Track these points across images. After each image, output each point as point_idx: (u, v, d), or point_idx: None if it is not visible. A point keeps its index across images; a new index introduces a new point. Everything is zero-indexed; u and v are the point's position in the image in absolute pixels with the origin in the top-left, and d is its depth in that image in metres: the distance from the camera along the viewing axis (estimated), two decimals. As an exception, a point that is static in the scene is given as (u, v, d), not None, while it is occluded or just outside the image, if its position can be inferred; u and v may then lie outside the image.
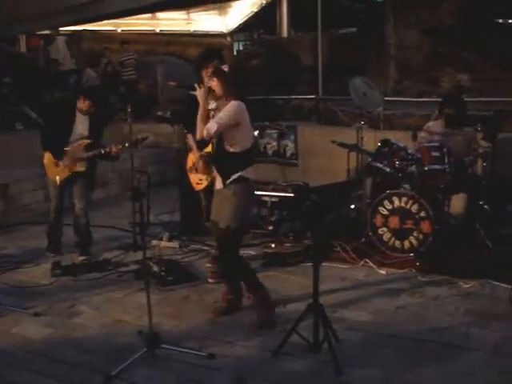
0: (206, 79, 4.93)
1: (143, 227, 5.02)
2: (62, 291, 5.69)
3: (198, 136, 4.79)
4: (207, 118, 4.70)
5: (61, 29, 16.09)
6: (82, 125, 6.42)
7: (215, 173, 4.90)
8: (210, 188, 5.47)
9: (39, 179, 8.06)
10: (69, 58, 13.73)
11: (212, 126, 4.57)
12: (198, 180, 5.98)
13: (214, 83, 4.69)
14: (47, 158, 6.50)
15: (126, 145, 6.36)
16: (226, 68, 4.99)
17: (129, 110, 6.70)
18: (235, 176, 4.68)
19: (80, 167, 6.42)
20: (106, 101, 12.71)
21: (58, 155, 6.39)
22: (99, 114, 6.66)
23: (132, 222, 7.06)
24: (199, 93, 4.69)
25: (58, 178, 6.42)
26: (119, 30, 18.37)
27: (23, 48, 16.40)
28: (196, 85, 4.75)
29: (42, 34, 14.81)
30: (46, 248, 6.80)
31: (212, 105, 4.87)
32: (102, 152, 6.33)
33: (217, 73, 4.76)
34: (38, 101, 11.03)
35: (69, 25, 16.26)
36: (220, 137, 4.68)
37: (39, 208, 8.39)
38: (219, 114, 4.66)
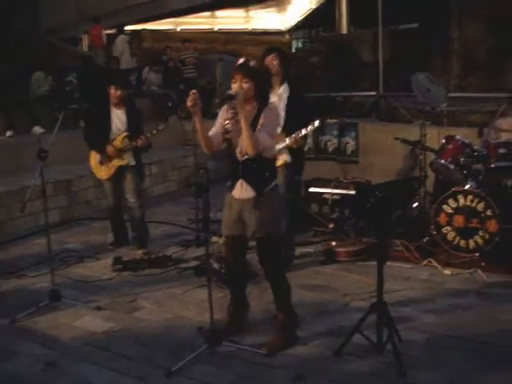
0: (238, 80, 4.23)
1: (206, 223, 4.97)
2: (123, 286, 5.73)
3: (250, 152, 4.13)
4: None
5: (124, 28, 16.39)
6: (118, 120, 6.51)
7: (239, 182, 4.35)
8: None
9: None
10: (128, 56, 13.89)
11: (266, 139, 4.15)
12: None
13: (246, 85, 4.17)
14: (92, 158, 6.67)
15: (149, 135, 6.37)
16: (253, 63, 4.49)
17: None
18: (273, 183, 4.37)
19: (122, 161, 6.50)
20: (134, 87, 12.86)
21: (101, 152, 6.53)
22: (133, 105, 6.74)
23: (192, 218, 7.07)
24: (238, 101, 4.07)
25: (105, 175, 6.60)
26: (178, 29, 18.59)
27: (85, 47, 16.72)
28: (232, 92, 4.13)
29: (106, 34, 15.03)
30: (110, 243, 6.93)
31: (226, 113, 4.29)
32: (133, 145, 6.40)
33: (248, 73, 4.22)
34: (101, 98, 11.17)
35: (130, 24, 16.54)
36: None
37: (101, 203, 8.48)
38: (263, 121, 4.18)
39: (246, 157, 4.24)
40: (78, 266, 6.39)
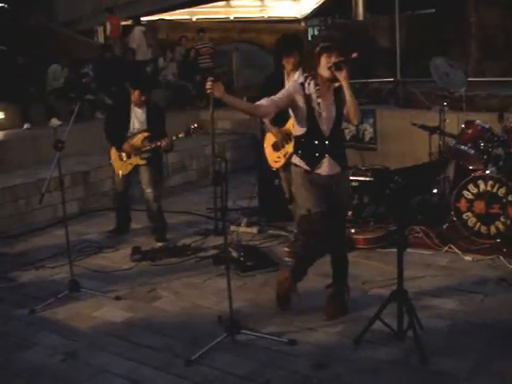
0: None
1: (224, 212, 4.95)
2: (142, 276, 5.73)
3: (354, 121, 4.38)
4: None
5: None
6: (138, 118, 6.53)
7: (325, 159, 4.40)
8: (288, 164, 5.29)
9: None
10: (145, 47, 13.86)
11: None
12: (276, 158, 5.94)
13: (344, 74, 4.16)
14: (113, 153, 6.70)
15: (174, 138, 6.32)
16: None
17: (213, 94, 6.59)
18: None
19: (140, 161, 6.52)
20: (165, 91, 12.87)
21: (120, 148, 6.56)
22: (155, 105, 6.73)
23: (211, 207, 7.06)
24: (344, 71, 4.16)
25: (120, 172, 6.66)
26: (194, 19, 18.54)
27: (101, 39, 16.72)
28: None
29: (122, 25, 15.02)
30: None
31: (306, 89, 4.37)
32: (153, 146, 6.40)
33: (342, 51, 4.24)
34: (117, 88, 11.18)
35: (145, 15, 16.52)
36: (340, 117, 4.42)
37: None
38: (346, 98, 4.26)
39: (330, 130, 4.37)
40: (97, 256, 6.40)
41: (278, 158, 5.89)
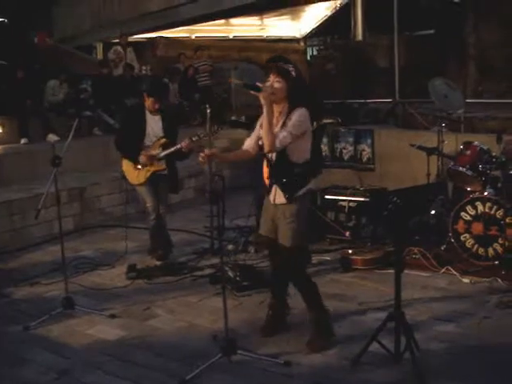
0: (271, 79, 4.30)
1: (221, 231, 4.95)
2: (137, 294, 5.71)
3: (266, 148, 4.22)
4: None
5: (136, 36, 16.45)
6: (155, 125, 6.43)
7: (273, 187, 4.41)
8: None
9: (115, 183, 8.18)
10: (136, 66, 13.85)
11: (285, 138, 4.16)
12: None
13: (278, 85, 4.22)
14: (125, 163, 6.52)
15: (194, 138, 6.20)
16: (292, 70, 4.37)
17: (208, 111, 6.60)
18: (304, 190, 4.37)
19: (158, 166, 6.42)
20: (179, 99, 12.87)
21: (135, 158, 6.39)
22: (171, 112, 6.63)
23: (208, 226, 7.05)
24: (263, 95, 4.09)
25: (141, 179, 6.44)
26: (193, 37, 18.56)
27: (100, 55, 16.77)
28: (260, 84, 4.15)
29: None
30: (149, 252, 6.78)
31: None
32: (173, 149, 6.28)
33: (282, 73, 4.25)
34: (117, 106, 11.20)
35: (144, 32, 16.60)
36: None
37: (115, 211, 8.51)
38: (289, 122, 4.21)
39: (274, 160, 4.34)
40: (92, 273, 6.38)
41: None
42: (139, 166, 6.42)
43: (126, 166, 6.51)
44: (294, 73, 4.31)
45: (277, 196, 4.38)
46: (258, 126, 4.45)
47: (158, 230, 6.63)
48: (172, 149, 6.29)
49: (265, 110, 4.12)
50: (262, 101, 4.11)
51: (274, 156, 4.34)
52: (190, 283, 5.97)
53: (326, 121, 9.33)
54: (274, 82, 4.24)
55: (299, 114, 4.24)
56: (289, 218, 4.34)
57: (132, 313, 5.25)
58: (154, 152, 6.37)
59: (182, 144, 6.19)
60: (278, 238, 4.45)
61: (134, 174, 6.46)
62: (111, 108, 11.26)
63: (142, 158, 6.35)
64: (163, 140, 6.38)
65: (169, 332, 4.85)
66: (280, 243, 4.42)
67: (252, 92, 4.14)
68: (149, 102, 6.36)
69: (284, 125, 4.24)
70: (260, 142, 4.36)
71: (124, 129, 6.74)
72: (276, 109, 4.27)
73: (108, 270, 6.46)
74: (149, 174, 6.42)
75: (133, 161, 6.42)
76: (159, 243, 6.69)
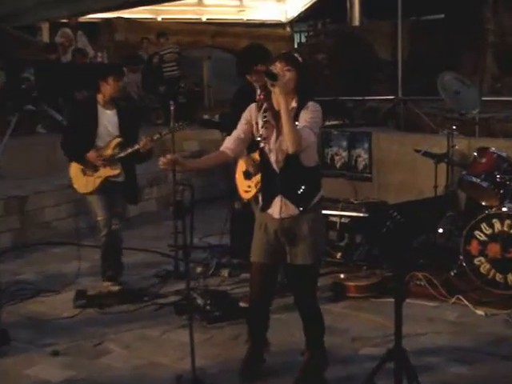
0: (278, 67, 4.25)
1: (187, 251, 4.94)
2: (87, 326, 5.67)
3: (291, 148, 4.11)
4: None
5: (90, 16, 16.39)
6: (109, 122, 6.38)
7: (278, 199, 4.36)
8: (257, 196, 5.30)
9: (63, 192, 8.13)
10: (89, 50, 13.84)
11: (310, 135, 4.14)
12: (246, 188, 5.93)
13: (288, 74, 4.20)
14: (73, 166, 6.46)
15: (155, 137, 6.20)
16: (298, 56, 4.41)
17: (172, 108, 6.57)
18: (317, 198, 4.39)
19: (112, 171, 6.37)
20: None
21: (84, 160, 6.33)
22: (130, 107, 6.59)
23: (172, 244, 7.03)
24: (280, 84, 4.05)
25: (89, 187, 6.37)
26: (159, 19, 18.58)
27: (46, 38, 16.66)
28: (275, 71, 4.15)
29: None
30: (102, 275, 6.67)
31: (254, 114, 4.40)
32: (130, 151, 6.23)
33: (292, 60, 4.28)
34: (65, 100, 11.16)
35: (99, 12, 16.55)
36: None
37: (62, 226, 8.47)
38: (306, 117, 4.19)
39: (281, 165, 4.28)
40: (33, 301, 6.32)
41: (249, 187, 5.86)
42: (88, 171, 6.37)
43: (74, 170, 6.46)
44: (301, 59, 4.34)
45: (284, 208, 4.34)
46: (243, 121, 4.43)
47: (110, 248, 6.56)
48: (129, 150, 6.24)
49: (282, 102, 4.07)
50: (278, 91, 4.08)
51: (279, 160, 4.30)
52: (150, 313, 5.94)
53: (329, 123, 9.39)
54: (283, 70, 4.22)
55: (315, 110, 4.26)
56: (306, 231, 4.33)
57: (80, 349, 5.21)
58: (105, 153, 6.33)
59: (141, 144, 6.15)
60: (279, 261, 4.45)
61: (83, 180, 6.41)
62: (58, 101, 11.22)
63: (92, 161, 6.30)
64: (118, 140, 6.32)
65: (124, 372, 4.82)
66: (296, 264, 4.38)
67: (268, 81, 4.10)
68: (107, 85, 6.28)
69: (295, 121, 4.21)
70: (261, 144, 4.31)
71: (72, 126, 6.67)
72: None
73: (53, 297, 6.40)
74: (99, 180, 6.36)
75: (81, 164, 6.37)
76: (110, 264, 6.62)
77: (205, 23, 19.48)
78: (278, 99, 4.13)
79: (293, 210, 4.33)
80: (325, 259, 6.83)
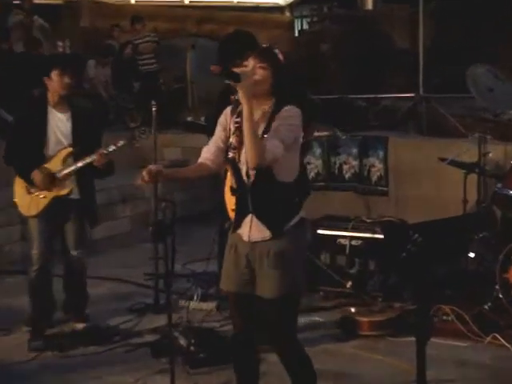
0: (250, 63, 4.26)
1: (169, 280, 4.92)
2: (45, 372, 5.65)
3: (251, 163, 4.11)
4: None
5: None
6: (58, 128, 6.28)
7: (249, 218, 4.36)
8: None
9: (10, 211, 8.06)
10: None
11: (277, 148, 4.09)
12: (233, 205, 5.91)
13: (262, 72, 4.18)
14: (17, 183, 6.36)
15: (111, 149, 6.09)
16: (278, 53, 4.38)
17: (154, 109, 6.54)
18: (296, 219, 4.33)
19: (61, 190, 6.25)
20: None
21: (28, 177, 6.20)
22: (88, 107, 6.52)
23: (150, 272, 7.02)
24: (243, 85, 4.05)
25: (32, 210, 6.28)
26: (133, 1, 18.64)
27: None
28: (237, 69, 4.14)
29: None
30: (24, 320, 6.58)
31: (229, 120, 4.41)
32: (81, 164, 6.09)
33: (267, 55, 4.27)
34: (18, 98, 11.13)
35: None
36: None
37: (13, 251, 8.42)
38: (278, 125, 4.17)
39: (252, 180, 4.25)
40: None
41: None
42: (33, 189, 6.24)
43: (18, 187, 6.36)
44: (281, 57, 4.32)
45: (254, 230, 4.30)
46: (219, 128, 4.42)
47: (43, 286, 6.44)
48: (79, 163, 6.10)
49: (245, 107, 4.06)
50: (241, 94, 4.07)
51: (250, 174, 4.27)
52: (122, 356, 5.92)
53: (317, 134, 9.37)
54: (256, 67, 4.21)
55: (290, 115, 4.23)
56: (277, 259, 4.25)
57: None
58: (52, 169, 6.22)
59: (94, 157, 6.03)
60: (255, 290, 4.36)
61: (26, 200, 6.31)
62: (9, 99, 11.20)
63: (36, 178, 6.15)
64: (68, 150, 6.20)
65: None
66: (262, 296, 4.32)
67: (229, 82, 4.13)
68: (54, 81, 6.19)
69: (268, 129, 4.20)
70: (230, 154, 4.29)
71: (17, 132, 6.58)
72: (256, 106, 4.20)
73: (2, 338, 6.38)
74: (45, 202, 6.24)
75: (28, 181, 6.25)
76: (45, 308, 6.51)
77: (188, 7, 19.53)
78: (241, 100, 4.09)
79: (263, 232, 4.28)
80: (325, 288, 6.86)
